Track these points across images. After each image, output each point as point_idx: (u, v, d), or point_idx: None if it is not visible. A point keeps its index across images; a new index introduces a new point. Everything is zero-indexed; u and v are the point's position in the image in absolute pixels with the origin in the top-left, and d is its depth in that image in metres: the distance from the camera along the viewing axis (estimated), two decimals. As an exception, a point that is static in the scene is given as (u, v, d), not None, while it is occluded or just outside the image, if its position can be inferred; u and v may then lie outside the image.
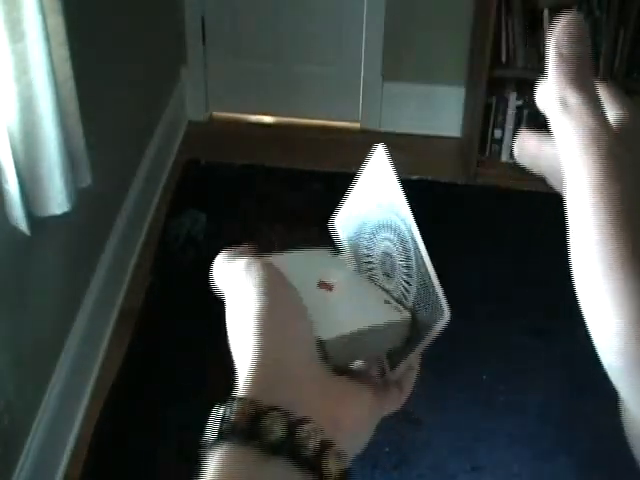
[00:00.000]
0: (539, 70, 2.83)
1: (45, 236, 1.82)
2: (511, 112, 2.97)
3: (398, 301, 0.50)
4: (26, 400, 1.84)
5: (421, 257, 0.48)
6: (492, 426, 2.13)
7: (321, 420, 0.40)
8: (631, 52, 2.80)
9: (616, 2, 2.76)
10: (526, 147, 0.45)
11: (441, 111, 3.23)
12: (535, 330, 2.39)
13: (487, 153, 3.05)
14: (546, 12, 2.81)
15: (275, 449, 0.38)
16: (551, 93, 0.39)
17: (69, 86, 1.64)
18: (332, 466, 0.39)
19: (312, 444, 0.39)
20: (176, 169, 3.00)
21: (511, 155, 3.05)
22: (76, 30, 1.70)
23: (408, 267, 0.49)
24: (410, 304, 0.49)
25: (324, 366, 0.44)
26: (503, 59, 2.89)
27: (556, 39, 0.39)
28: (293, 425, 0.39)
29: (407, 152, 3.18)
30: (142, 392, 2.19)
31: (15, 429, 1.76)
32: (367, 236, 0.52)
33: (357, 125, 3.30)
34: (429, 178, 3.00)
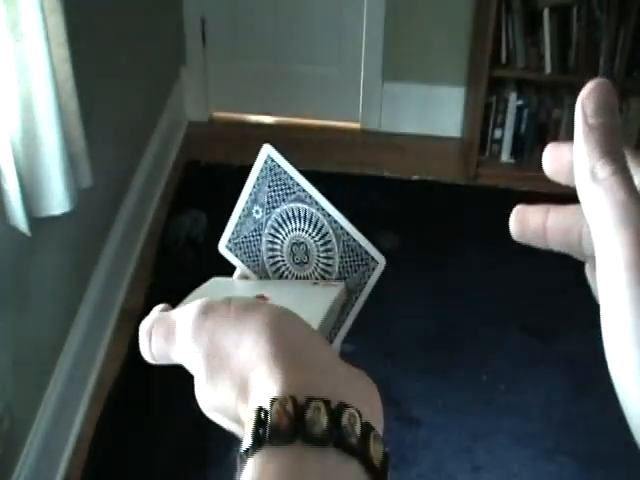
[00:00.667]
0: (539, 70, 2.82)
1: (45, 236, 1.82)
2: (511, 112, 2.97)
3: (322, 278, 0.51)
4: (26, 400, 1.84)
5: (340, 227, 0.49)
6: (492, 426, 2.13)
7: (361, 403, 0.39)
8: (631, 52, 2.80)
9: (616, 2, 2.76)
10: (529, 225, 0.42)
11: (441, 111, 3.23)
12: (535, 330, 2.39)
13: (487, 153, 3.05)
14: (546, 12, 2.81)
15: (321, 440, 0.37)
16: (580, 165, 0.36)
17: (69, 86, 1.64)
18: (377, 450, 0.38)
19: (357, 430, 0.37)
20: (176, 169, 3.00)
21: (511, 155, 3.06)
22: (76, 30, 1.70)
23: (326, 243, 0.50)
24: (335, 276, 0.50)
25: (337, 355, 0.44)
26: (503, 59, 2.89)
27: (583, 107, 0.36)
28: (336, 412, 0.37)
29: (407, 152, 3.19)
30: (142, 392, 2.19)
31: (15, 429, 1.76)
32: (268, 238, 0.52)
33: (357, 125, 3.30)
34: (429, 178, 2.99)
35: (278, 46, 3.22)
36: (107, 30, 2.26)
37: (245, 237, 0.54)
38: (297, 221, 0.50)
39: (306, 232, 0.50)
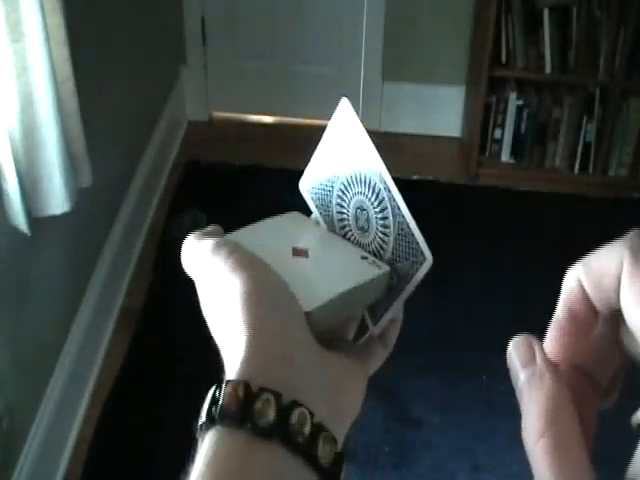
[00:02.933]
0: (539, 70, 2.83)
1: (45, 236, 1.82)
2: (511, 112, 2.97)
3: (375, 254, 0.50)
4: (26, 400, 1.84)
5: (397, 206, 0.47)
6: (492, 426, 2.13)
7: (317, 402, 0.39)
8: (631, 52, 2.80)
9: (616, 2, 2.76)
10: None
11: (441, 111, 3.23)
12: (535, 330, 2.39)
13: (487, 153, 3.05)
14: (546, 12, 2.81)
15: (267, 433, 0.37)
16: None
17: (69, 86, 1.64)
18: (326, 451, 0.38)
19: (306, 429, 0.37)
20: (176, 169, 3.00)
21: (511, 155, 3.06)
22: (76, 30, 1.70)
23: (384, 218, 0.49)
24: (389, 255, 0.49)
25: (316, 343, 0.43)
26: (503, 59, 2.89)
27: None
28: (285, 409, 0.37)
29: (407, 152, 3.19)
30: (142, 392, 2.19)
31: (15, 429, 1.76)
32: (338, 193, 0.52)
33: (357, 125, 3.30)
34: (429, 178, 3.00)
35: (278, 46, 3.22)
36: (107, 30, 2.26)
37: (321, 184, 0.53)
38: (363, 186, 0.49)
39: (369, 200, 0.49)
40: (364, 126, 0.49)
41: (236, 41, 3.22)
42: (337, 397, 0.42)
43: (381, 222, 0.49)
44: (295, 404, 0.38)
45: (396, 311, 0.49)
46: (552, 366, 0.36)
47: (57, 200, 1.62)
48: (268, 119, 3.38)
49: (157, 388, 2.21)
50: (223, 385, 0.38)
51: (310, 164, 0.54)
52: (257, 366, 0.39)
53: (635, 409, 0.37)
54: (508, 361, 0.38)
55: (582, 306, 0.37)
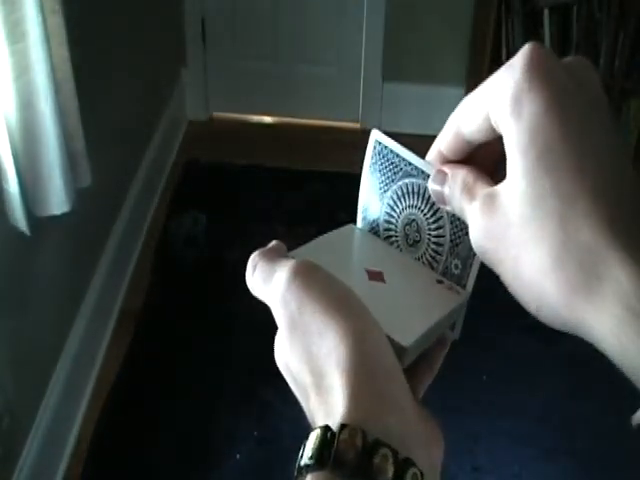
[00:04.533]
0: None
1: (45, 236, 1.82)
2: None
3: (433, 259, 0.49)
4: (26, 400, 1.84)
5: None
6: (492, 426, 2.13)
7: (423, 458, 0.38)
8: (631, 52, 2.80)
9: (616, 2, 2.76)
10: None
11: (441, 111, 3.22)
12: (535, 330, 2.39)
13: (487, 153, 3.05)
14: (546, 12, 2.81)
15: None
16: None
17: (69, 86, 1.64)
18: None
19: None
20: (176, 169, 3.00)
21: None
22: (76, 30, 1.70)
23: (436, 218, 0.48)
24: (441, 267, 0.49)
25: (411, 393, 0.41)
26: (503, 59, 2.89)
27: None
28: (402, 468, 0.36)
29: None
30: (142, 392, 2.19)
31: (15, 429, 1.76)
32: (386, 210, 0.51)
33: (357, 125, 3.30)
34: (429, 178, 2.99)
35: (278, 46, 3.22)
36: (107, 30, 2.26)
37: (370, 222, 0.53)
38: (407, 198, 0.49)
39: (417, 207, 0.49)
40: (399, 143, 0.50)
41: (236, 41, 3.22)
42: (433, 446, 0.42)
43: (434, 225, 0.49)
44: (409, 464, 0.36)
45: (436, 331, 0.47)
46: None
47: (57, 200, 1.62)
48: (268, 119, 3.38)
49: (157, 388, 2.21)
50: (336, 427, 0.36)
51: (358, 205, 0.53)
52: (368, 409, 0.37)
53: (635, 409, 0.37)
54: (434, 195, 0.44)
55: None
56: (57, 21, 1.56)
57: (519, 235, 0.35)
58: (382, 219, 0.51)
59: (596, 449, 2.05)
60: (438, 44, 3.14)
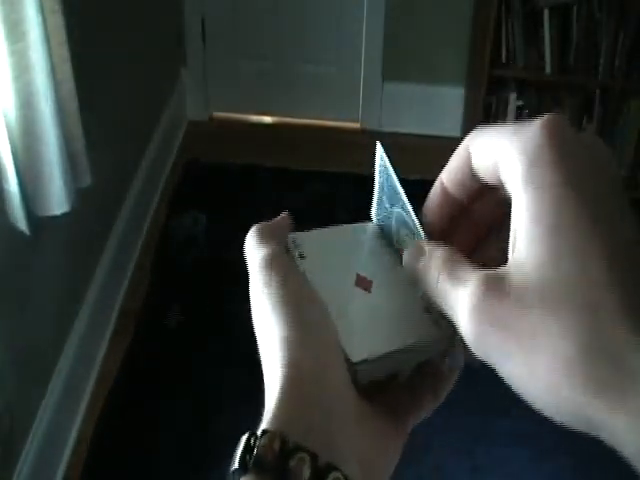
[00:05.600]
0: (539, 70, 2.82)
1: (45, 236, 1.82)
2: (511, 112, 2.97)
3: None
4: (26, 400, 1.84)
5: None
6: (492, 426, 2.13)
7: (352, 465, 0.37)
8: (631, 52, 2.80)
9: (616, 2, 2.76)
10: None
11: (441, 111, 3.23)
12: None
13: (487, 153, 3.05)
14: (546, 12, 2.81)
15: None
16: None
17: (69, 86, 1.64)
18: None
19: None
20: (176, 169, 3.00)
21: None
22: (76, 30, 1.70)
23: None
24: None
25: (356, 397, 0.40)
26: (503, 59, 2.89)
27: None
28: (320, 471, 0.36)
29: (407, 152, 3.19)
30: (142, 392, 2.19)
31: (15, 429, 1.76)
32: (395, 224, 0.50)
33: (357, 125, 3.30)
34: (429, 178, 2.98)
35: (278, 46, 3.22)
36: (107, 30, 2.26)
37: (379, 219, 0.52)
38: (405, 228, 0.48)
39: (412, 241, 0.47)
40: (391, 167, 0.49)
41: (236, 41, 3.22)
42: (373, 459, 0.40)
43: None
44: (330, 468, 0.36)
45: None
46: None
47: (57, 200, 1.62)
48: (268, 119, 3.38)
49: (157, 388, 2.21)
50: (259, 433, 0.37)
51: (374, 197, 0.52)
52: (294, 416, 0.37)
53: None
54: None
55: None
56: (57, 21, 1.56)
57: (540, 323, 0.32)
58: (393, 230, 0.49)
59: (596, 449, 2.05)
60: (438, 44, 3.14)
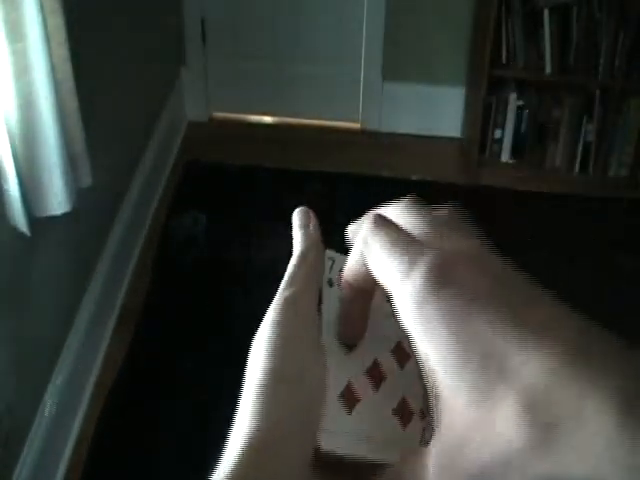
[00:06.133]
0: (539, 70, 2.82)
1: (45, 236, 1.82)
2: (511, 112, 2.98)
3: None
4: (26, 400, 1.84)
5: None
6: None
7: None
8: (631, 52, 2.80)
9: (616, 2, 2.76)
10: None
11: (441, 111, 3.23)
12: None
13: (487, 153, 3.05)
14: (546, 12, 2.81)
15: None
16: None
17: (69, 86, 1.64)
18: None
19: None
20: (176, 169, 3.00)
21: (511, 155, 3.05)
22: (76, 30, 1.70)
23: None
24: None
25: (320, 473, 0.39)
26: (503, 59, 2.89)
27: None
28: None
29: (407, 152, 3.19)
30: (142, 392, 2.19)
31: (15, 429, 1.76)
32: None
33: (357, 125, 3.30)
34: (429, 178, 2.99)
35: (278, 46, 3.22)
36: (107, 30, 2.26)
37: None
38: None
39: None
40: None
41: (236, 41, 3.22)
42: None
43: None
44: None
45: None
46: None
47: (57, 200, 1.62)
48: (268, 119, 3.38)
49: (157, 388, 2.21)
50: None
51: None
52: (249, 471, 0.37)
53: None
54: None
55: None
56: (57, 21, 1.56)
57: (477, 431, 0.32)
58: None
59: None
60: (438, 44, 3.14)
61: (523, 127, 3.00)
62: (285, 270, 0.41)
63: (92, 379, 2.18)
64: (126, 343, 2.29)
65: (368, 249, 0.36)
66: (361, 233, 0.37)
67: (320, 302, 0.41)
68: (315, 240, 0.42)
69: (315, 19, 3.16)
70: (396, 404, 0.40)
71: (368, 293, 0.39)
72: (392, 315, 0.36)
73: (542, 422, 0.30)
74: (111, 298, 2.37)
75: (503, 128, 3.00)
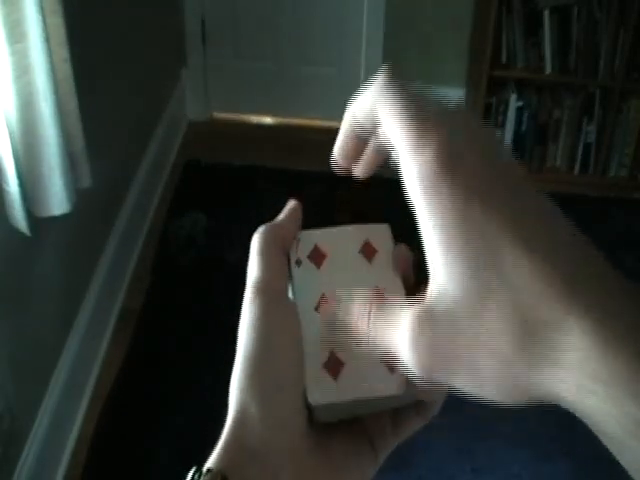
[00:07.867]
0: (539, 70, 2.82)
1: (45, 236, 1.82)
2: (511, 113, 2.98)
3: None
4: (26, 400, 1.84)
5: None
6: (492, 427, 2.13)
7: None
8: (631, 53, 2.80)
9: (616, 2, 2.76)
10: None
11: (441, 111, 3.23)
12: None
13: (487, 153, 3.05)
14: (546, 12, 2.81)
15: None
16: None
17: (69, 86, 1.64)
18: None
19: None
20: (176, 170, 3.00)
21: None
22: (76, 30, 1.70)
23: None
24: None
25: (311, 435, 0.40)
26: (503, 59, 2.89)
27: None
28: None
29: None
30: (142, 392, 2.19)
31: (15, 429, 1.76)
32: None
33: (357, 125, 3.30)
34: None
35: (278, 46, 3.22)
36: (107, 30, 2.26)
37: None
38: None
39: None
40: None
41: (236, 41, 3.22)
42: None
43: None
44: None
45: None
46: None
47: (57, 200, 1.62)
48: (268, 119, 3.38)
49: (157, 388, 2.21)
50: (204, 470, 0.39)
51: None
52: (235, 460, 0.39)
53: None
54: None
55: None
56: (57, 21, 1.56)
57: (474, 338, 0.33)
58: None
59: (595, 450, 2.05)
60: (438, 44, 3.14)
61: (523, 127, 3.00)
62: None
63: (92, 379, 2.18)
64: (126, 343, 2.29)
65: (381, 104, 0.37)
66: (377, 83, 0.38)
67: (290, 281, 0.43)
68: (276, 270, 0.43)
69: (315, 19, 3.16)
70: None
71: (369, 134, 0.41)
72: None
73: (528, 323, 0.32)
74: (111, 298, 2.37)
75: (503, 129, 3.00)
